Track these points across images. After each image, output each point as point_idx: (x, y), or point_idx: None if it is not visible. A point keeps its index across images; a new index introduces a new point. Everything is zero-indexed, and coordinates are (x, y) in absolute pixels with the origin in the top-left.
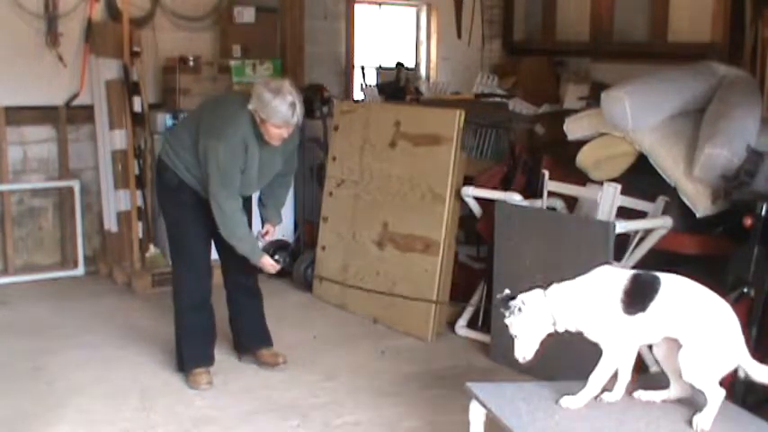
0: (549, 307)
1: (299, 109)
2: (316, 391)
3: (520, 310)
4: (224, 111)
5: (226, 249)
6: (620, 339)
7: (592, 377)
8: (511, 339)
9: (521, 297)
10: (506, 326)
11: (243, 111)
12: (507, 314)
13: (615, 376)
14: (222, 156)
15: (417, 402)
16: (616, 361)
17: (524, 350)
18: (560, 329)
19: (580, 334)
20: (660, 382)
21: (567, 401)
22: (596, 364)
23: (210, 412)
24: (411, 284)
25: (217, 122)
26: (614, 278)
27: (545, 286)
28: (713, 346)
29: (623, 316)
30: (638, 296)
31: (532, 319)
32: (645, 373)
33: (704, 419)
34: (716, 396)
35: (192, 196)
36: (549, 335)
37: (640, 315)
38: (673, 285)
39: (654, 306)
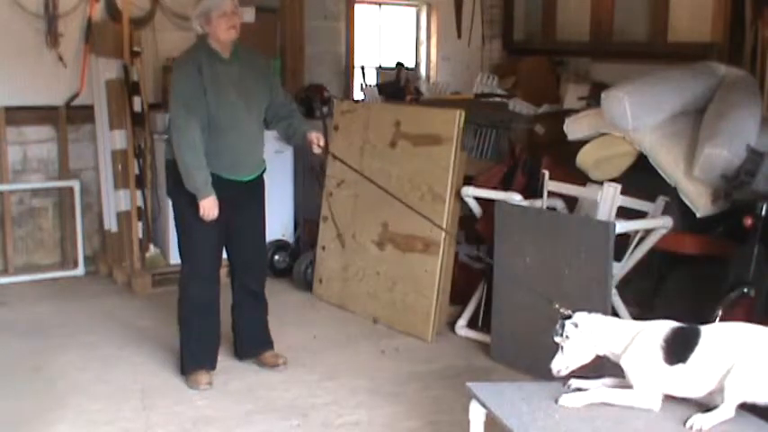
0: (596, 337)
1: None
2: (316, 391)
3: (574, 327)
4: None
5: (237, 252)
6: (652, 386)
7: (604, 391)
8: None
9: (576, 317)
10: (555, 342)
11: (191, 46)
12: (559, 334)
13: None
14: (177, 79)
15: (417, 402)
16: (639, 402)
17: (563, 365)
18: (602, 354)
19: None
20: None
21: (565, 400)
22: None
23: (210, 412)
24: (411, 284)
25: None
26: (661, 327)
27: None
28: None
29: (663, 365)
30: (680, 347)
31: (582, 343)
32: None
33: (706, 420)
34: (730, 408)
35: None
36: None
37: (680, 366)
38: (714, 335)
39: (694, 358)
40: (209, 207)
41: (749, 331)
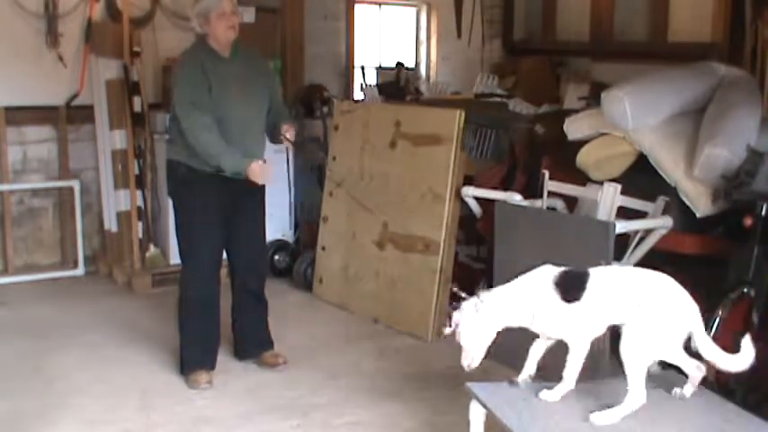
0: (489, 312)
1: None
2: (316, 391)
3: (459, 321)
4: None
5: (237, 252)
6: (573, 327)
7: (566, 371)
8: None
9: (455, 312)
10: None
11: (192, 45)
12: (448, 328)
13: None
14: (181, 78)
15: (417, 402)
16: (582, 349)
17: (470, 358)
18: (500, 328)
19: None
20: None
21: (545, 395)
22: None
23: (210, 412)
24: (411, 284)
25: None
26: (549, 273)
27: (479, 295)
28: (653, 328)
29: (563, 304)
30: (571, 287)
31: (473, 327)
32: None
33: (606, 416)
34: (636, 397)
35: (207, 187)
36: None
37: (577, 304)
38: (604, 275)
39: (587, 295)
40: (260, 172)
41: (647, 279)
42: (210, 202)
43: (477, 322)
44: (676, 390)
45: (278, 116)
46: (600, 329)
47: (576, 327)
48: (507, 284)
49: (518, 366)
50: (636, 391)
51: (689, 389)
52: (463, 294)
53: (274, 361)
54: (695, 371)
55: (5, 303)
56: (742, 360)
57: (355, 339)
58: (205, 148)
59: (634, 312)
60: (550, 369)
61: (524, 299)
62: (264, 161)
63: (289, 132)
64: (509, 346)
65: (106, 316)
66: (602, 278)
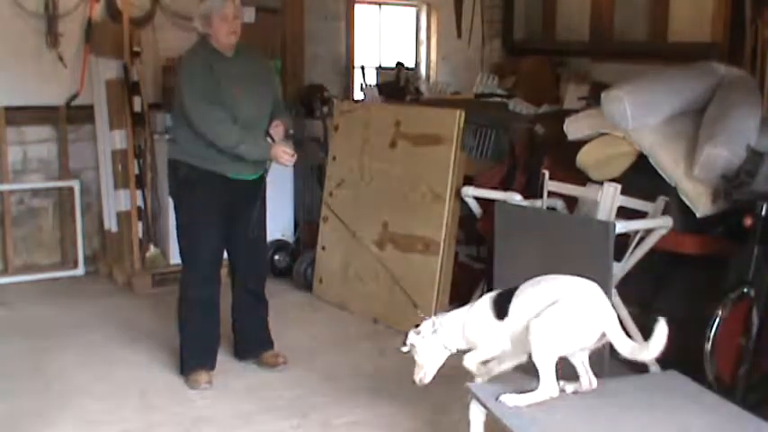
0: (444, 335)
1: None
2: (316, 391)
3: (416, 335)
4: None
5: (238, 252)
6: (500, 344)
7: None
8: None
9: (412, 333)
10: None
11: (195, 44)
12: (404, 347)
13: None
14: (191, 75)
15: (417, 402)
16: (544, 361)
17: (423, 374)
18: (454, 350)
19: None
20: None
21: (506, 398)
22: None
23: (210, 412)
24: (411, 284)
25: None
26: (488, 297)
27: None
28: (561, 321)
29: (497, 322)
30: (501, 304)
31: (428, 348)
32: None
33: (515, 399)
34: (546, 387)
35: (209, 187)
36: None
37: (507, 319)
38: (528, 285)
39: (513, 308)
40: (282, 154)
41: (564, 282)
42: (212, 202)
43: (433, 343)
44: (566, 385)
45: (276, 114)
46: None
47: (508, 341)
48: (460, 309)
49: (518, 366)
50: (546, 381)
51: (572, 388)
52: (422, 315)
53: (274, 361)
54: (586, 381)
55: (5, 303)
56: (653, 347)
57: (355, 339)
58: (223, 140)
59: (548, 308)
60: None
61: (470, 323)
62: (283, 143)
63: (275, 129)
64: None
65: (106, 316)
66: (525, 289)
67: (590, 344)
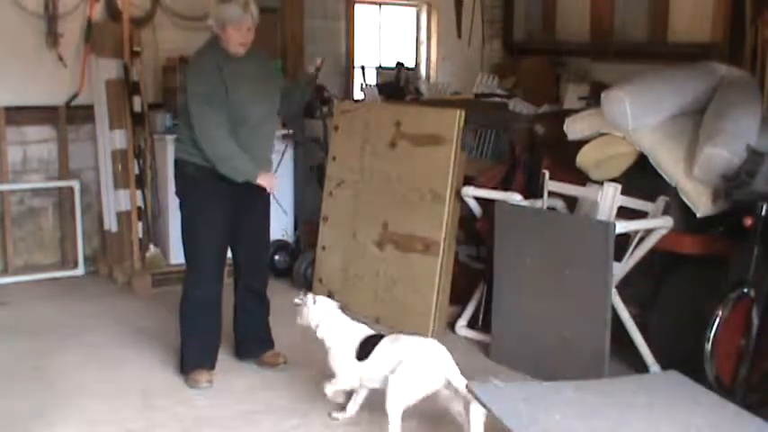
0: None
1: (253, 5)
2: (316, 391)
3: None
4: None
5: (241, 252)
6: (353, 380)
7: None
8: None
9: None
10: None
11: (206, 44)
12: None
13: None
14: (196, 76)
15: (417, 402)
16: (345, 385)
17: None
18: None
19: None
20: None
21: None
22: None
23: (210, 412)
24: (411, 284)
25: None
26: (362, 333)
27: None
28: (407, 378)
29: (356, 362)
30: (366, 348)
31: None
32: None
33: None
34: (394, 418)
35: (214, 187)
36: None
37: (365, 363)
38: (386, 342)
39: (373, 355)
40: (268, 182)
41: (410, 342)
42: (216, 201)
43: (313, 312)
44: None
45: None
46: (381, 381)
47: (358, 379)
48: (352, 322)
49: (518, 366)
50: (392, 426)
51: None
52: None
53: (275, 361)
54: (458, 414)
55: (5, 303)
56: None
57: None
58: (214, 148)
59: (397, 367)
60: (546, 368)
61: (336, 350)
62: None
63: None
64: (509, 346)
65: (106, 316)
66: (386, 343)
67: (437, 388)
